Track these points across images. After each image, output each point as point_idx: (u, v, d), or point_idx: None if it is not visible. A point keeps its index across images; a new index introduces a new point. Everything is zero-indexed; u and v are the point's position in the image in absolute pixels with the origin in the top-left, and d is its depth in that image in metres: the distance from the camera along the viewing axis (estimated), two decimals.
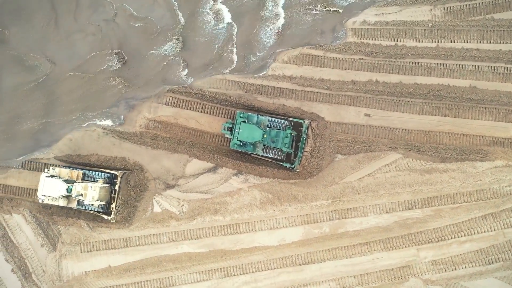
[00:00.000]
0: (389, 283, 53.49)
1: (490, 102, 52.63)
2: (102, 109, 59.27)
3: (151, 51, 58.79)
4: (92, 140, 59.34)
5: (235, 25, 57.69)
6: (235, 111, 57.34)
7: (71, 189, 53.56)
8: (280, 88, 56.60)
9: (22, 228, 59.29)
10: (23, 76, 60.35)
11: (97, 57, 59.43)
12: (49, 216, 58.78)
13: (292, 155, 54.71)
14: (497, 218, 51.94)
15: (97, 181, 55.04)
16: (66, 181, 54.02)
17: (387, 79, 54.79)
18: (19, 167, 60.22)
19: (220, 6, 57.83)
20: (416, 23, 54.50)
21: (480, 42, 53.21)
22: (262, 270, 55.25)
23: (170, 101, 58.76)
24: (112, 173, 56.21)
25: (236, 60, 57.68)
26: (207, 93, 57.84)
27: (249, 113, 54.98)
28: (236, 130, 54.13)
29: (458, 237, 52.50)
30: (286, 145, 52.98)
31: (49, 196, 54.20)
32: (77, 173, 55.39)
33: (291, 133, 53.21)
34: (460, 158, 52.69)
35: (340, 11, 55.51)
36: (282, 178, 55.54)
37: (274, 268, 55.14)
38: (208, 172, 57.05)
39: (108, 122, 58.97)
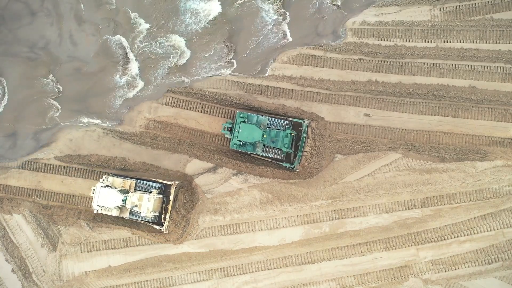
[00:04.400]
0: (389, 283, 53.54)
1: (489, 102, 52.71)
2: (103, 109, 59.35)
3: (153, 51, 58.95)
4: (92, 140, 59.42)
5: (235, 26, 57.79)
6: (235, 111, 57.43)
7: (125, 200, 53.05)
8: (280, 88, 56.68)
9: (22, 228, 59.35)
10: (25, 76, 60.48)
11: (99, 57, 59.56)
12: (49, 216, 58.86)
13: (292, 155, 54.78)
14: (497, 218, 52.00)
15: (150, 192, 54.21)
16: (121, 191, 53.46)
17: (387, 79, 54.87)
18: (19, 167, 60.29)
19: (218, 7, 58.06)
20: (415, 23, 54.58)
21: (480, 42, 53.30)
22: (262, 270, 55.30)
23: (170, 101, 58.85)
24: (164, 183, 55.12)
25: (236, 61, 57.74)
26: (207, 93, 57.93)
27: (249, 113, 55.05)
28: (236, 130, 54.21)
29: (457, 236, 52.55)
30: (286, 145, 53.04)
31: (103, 206, 53.46)
32: (129, 182, 54.83)
33: (290, 133, 53.28)
34: (460, 158, 52.76)
35: (343, 11, 55.68)
36: (282, 178, 55.60)
37: (274, 268, 55.18)
38: (208, 172, 57.12)
39: (108, 123, 59.03)
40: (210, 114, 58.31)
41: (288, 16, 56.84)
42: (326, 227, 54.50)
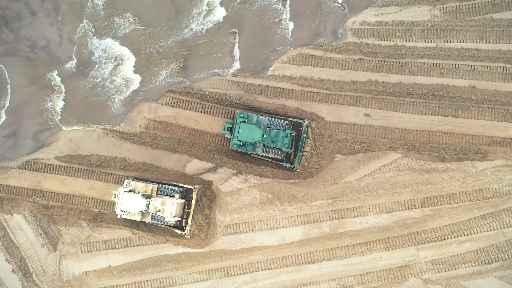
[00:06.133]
0: (389, 283, 53.57)
1: (489, 101, 52.74)
2: (103, 111, 59.44)
3: (154, 52, 59.04)
4: (92, 140, 59.46)
5: (237, 27, 57.83)
6: (235, 111, 57.46)
7: (148, 204, 52.58)
8: (280, 88, 56.71)
9: (22, 228, 59.40)
10: (26, 76, 60.55)
11: (100, 57, 59.60)
12: (50, 216, 58.90)
13: (292, 155, 54.80)
14: (497, 218, 52.03)
15: (172, 196, 53.88)
16: (144, 196, 53.12)
17: (387, 79, 54.90)
18: (19, 167, 60.32)
19: (222, 9, 58.12)
20: (415, 23, 54.61)
21: (479, 42, 53.33)
22: (262, 270, 55.34)
23: (170, 101, 58.89)
24: (185, 187, 54.85)
25: (239, 61, 57.77)
26: (207, 93, 57.96)
27: (249, 113, 55.09)
28: (236, 130, 54.24)
29: (457, 236, 52.58)
30: (286, 145, 53.07)
31: (126, 211, 53.00)
32: (151, 187, 54.54)
33: (290, 133, 53.30)
34: (460, 158, 52.78)
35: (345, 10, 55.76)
36: (282, 178, 55.63)
37: (274, 268, 55.22)
38: (208, 172, 57.15)
39: (109, 124, 59.09)
40: (210, 114, 58.34)
41: (290, 16, 56.86)
42: (326, 227, 54.54)
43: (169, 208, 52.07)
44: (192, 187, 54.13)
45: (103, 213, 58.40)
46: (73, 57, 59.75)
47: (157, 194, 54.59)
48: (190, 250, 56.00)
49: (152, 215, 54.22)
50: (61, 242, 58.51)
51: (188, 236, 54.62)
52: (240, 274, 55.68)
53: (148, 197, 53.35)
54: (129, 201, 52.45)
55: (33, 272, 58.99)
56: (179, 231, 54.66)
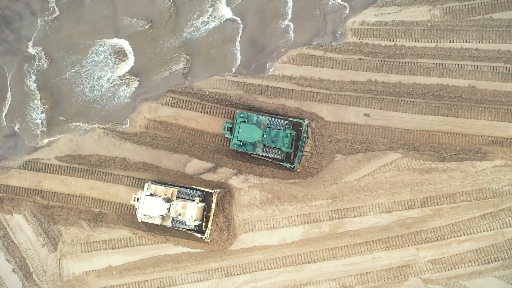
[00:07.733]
0: (389, 283, 53.63)
1: (489, 101, 52.79)
2: (103, 111, 59.51)
3: (156, 51, 59.08)
4: (92, 140, 59.51)
5: (240, 26, 57.89)
6: (235, 111, 57.51)
7: (169, 208, 52.35)
8: (280, 88, 56.76)
9: (23, 228, 59.46)
10: (25, 75, 60.60)
11: (102, 58, 59.67)
12: (50, 216, 58.96)
13: (292, 155, 54.85)
14: (496, 218, 52.09)
15: (192, 200, 53.57)
16: (165, 199, 52.88)
17: (387, 79, 54.95)
18: (20, 167, 60.37)
19: (224, 8, 58.16)
20: (415, 23, 54.66)
21: (479, 42, 53.38)
22: (262, 270, 55.39)
23: (170, 101, 58.94)
24: (204, 191, 54.71)
25: (239, 61, 57.79)
26: (207, 93, 58.02)
27: (249, 113, 55.14)
28: (236, 130, 54.28)
29: (457, 236, 52.64)
30: (286, 145, 53.11)
31: (147, 215, 52.73)
32: (172, 190, 54.24)
33: (290, 133, 53.34)
34: (459, 158, 52.83)
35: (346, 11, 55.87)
36: (282, 178, 55.67)
37: (274, 268, 55.27)
38: (208, 172, 57.21)
39: (111, 125, 59.17)
40: (210, 114, 58.39)
41: (290, 16, 56.93)
42: (326, 227, 54.59)
43: (190, 212, 51.63)
44: (212, 191, 53.98)
45: (103, 213, 58.48)
46: (72, 56, 59.87)
47: (177, 197, 54.38)
48: (190, 250, 56.09)
49: (172, 219, 53.90)
50: (62, 242, 58.57)
51: (208, 240, 54.34)
52: (240, 274, 55.74)
53: (168, 200, 53.14)
54: (151, 205, 52.15)
55: (34, 272, 59.06)
56: (198, 235, 54.48)
